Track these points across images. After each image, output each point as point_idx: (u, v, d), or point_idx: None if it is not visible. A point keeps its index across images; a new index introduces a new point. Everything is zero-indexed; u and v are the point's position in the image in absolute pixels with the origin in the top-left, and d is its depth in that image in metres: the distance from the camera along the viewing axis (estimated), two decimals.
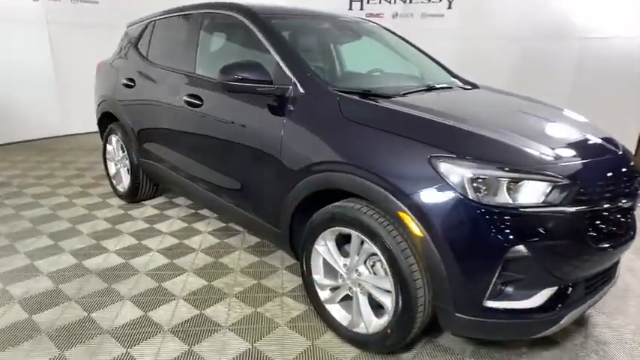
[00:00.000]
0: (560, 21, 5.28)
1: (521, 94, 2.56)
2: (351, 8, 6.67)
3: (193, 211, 3.56)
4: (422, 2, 6.21)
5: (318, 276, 2.10)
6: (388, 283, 1.77)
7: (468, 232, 1.55)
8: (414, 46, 3.12)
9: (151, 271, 2.65)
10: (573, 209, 1.56)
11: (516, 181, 1.54)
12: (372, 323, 1.90)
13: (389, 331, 1.81)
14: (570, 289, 1.69)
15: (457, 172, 1.56)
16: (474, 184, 1.54)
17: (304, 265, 2.13)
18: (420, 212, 1.60)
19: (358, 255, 1.89)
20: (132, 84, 3.26)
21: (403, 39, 3.14)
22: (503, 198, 1.53)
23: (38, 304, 2.29)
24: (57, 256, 2.81)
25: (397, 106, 1.92)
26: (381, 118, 1.85)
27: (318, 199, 2.01)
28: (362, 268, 1.90)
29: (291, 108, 2.08)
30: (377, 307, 1.91)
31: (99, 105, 3.75)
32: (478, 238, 1.54)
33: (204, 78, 2.64)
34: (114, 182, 3.82)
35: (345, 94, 2.00)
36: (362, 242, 1.85)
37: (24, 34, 5.40)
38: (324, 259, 2.06)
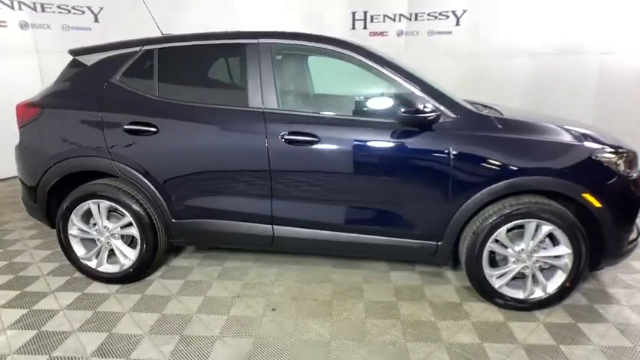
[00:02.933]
0: (579, 36, 5.13)
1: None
2: (354, 27, 6.39)
3: (218, 267, 3.07)
4: (428, 19, 6.01)
5: (488, 270, 2.51)
6: (564, 249, 2.40)
7: (624, 194, 2.36)
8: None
9: None
10: None
11: (632, 158, 2.45)
12: (547, 286, 2.48)
13: (568, 284, 2.45)
14: None
15: (611, 158, 2.35)
16: (621, 164, 2.36)
17: (475, 266, 2.48)
18: (597, 190, 2.31)
19: (532, 239, 2.43)
20: (151, 129, 2.56)
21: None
22: (633, 170, 2.42)
23: None
24: None
25: (533, 120, 2.55)
26: (533, 129, 2.44)
27: None
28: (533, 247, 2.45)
29: (452, 133, 2.38)
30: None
31: (61, 162, 2.67)
32: (630, 197, 2.38)
33: (319, 115, 2.53)
34: (90, 265, 2.81)
35: (491, 115, 2.47)
36: (536, 227, 2.40)
37: (12, 65, 5.20)
38: (490, 253, 2.49)
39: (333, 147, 2.47)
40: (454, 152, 2.37)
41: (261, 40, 2.58)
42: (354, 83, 2.73)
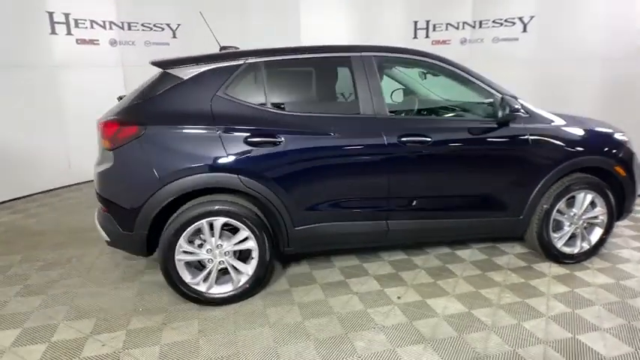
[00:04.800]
0: None
1: None
2: (415, 37, 6.26)
3: (308, 272, 3.15)
4: (493, 27, 5.88)
5: (552, 234, 3.14)
6: (601, 210, 3.17)
7: (635, 163, 3.21)
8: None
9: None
10: None
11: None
12: (592, 240, 3.22)
13: (604, 236, 3.23)
14: None
15: (625, 139, 3.19)
16: (628, 142, 3.22)
17: (545, 232, 3.10)
18: (622, 163, 3.12)
19: (582, 206, 3.14)
20: (275, 140, 2.57)
21: None
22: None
23: None
24: None
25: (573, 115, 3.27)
26: (579, 122, 3.15)
27: None
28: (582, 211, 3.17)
29: (528, 126, 2.96)
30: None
31: (176, 181, 2.49)
32: (636, 165, 3.24)
33: (429, 118, 2.93)
34: (201, 289, 2.67)
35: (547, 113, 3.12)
36: (585, 196, 3.12)
37: (102, 78, 5.74)
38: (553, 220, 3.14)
39: (443, 145, 2.84)
40: (532, 140, 2.95)
41: (363, 53, 2.81)
42: (446, 90, 3.13)
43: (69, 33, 5.51)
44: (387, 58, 2.95)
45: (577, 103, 4.77)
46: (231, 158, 2.54)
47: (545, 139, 3.00)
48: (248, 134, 2.57)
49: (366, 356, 2.24)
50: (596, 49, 5.06)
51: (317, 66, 2.89)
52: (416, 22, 6.34)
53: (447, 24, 6.20)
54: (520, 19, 5.69)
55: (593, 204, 3.19)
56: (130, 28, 6.02)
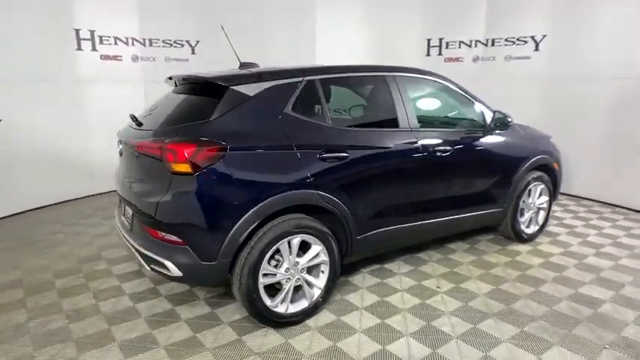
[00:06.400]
0: None
1: None
2: (429, 54, 6.33)
3: (345, 278, 3.31)
4: (505, 45, 5.98)
5: (520, 219, 3.98)
6: (545, 198, 4.14)
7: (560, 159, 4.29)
8: None
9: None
10: None
11: None
12: (540, 222, 4.17)
13: (547, 217, 4.21)
14: None
15: (554, 141, 4.24)
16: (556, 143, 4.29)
17: (517, 219, 3.91)
18: (556, 160, 4.15)
19: (536, 195, 4.05)
20: (343, 154, 2.71)
21: None
22: None
23: None
24: None
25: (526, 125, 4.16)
26: (528, 128, 4.05)
27: None
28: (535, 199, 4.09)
29: (505, 133, 3.72)
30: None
31: (265, 202, 2.41)
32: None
33: (450, 130, 3.38)
34: (280, 311, 2.61)
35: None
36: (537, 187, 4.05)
37: (124, 93, 5.87)
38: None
39: (460, 153, 3.37)
40: (513, 144, 3.74)
41: (395, 74, 3.17)
42: (449, 106, 3.66)
43: (94, 49, 5.71)
44: (410, 78, 3.35)
45: (587, 121, 5.32)
46: (311, 174, 2.59)
47: (521, 143, 3.85)
48: (321, 150, 2.66)
49: (460, 337, 2.58)
50: (607, 69, 5.11)
51: (362, 84, 3.14)
52: (429, 40, 6.50)
53: (460, 42, 6.34)
54: (532, 37, 5.79)
55: (540, 193, 4.15)
56: (151, 45, 6.18)
